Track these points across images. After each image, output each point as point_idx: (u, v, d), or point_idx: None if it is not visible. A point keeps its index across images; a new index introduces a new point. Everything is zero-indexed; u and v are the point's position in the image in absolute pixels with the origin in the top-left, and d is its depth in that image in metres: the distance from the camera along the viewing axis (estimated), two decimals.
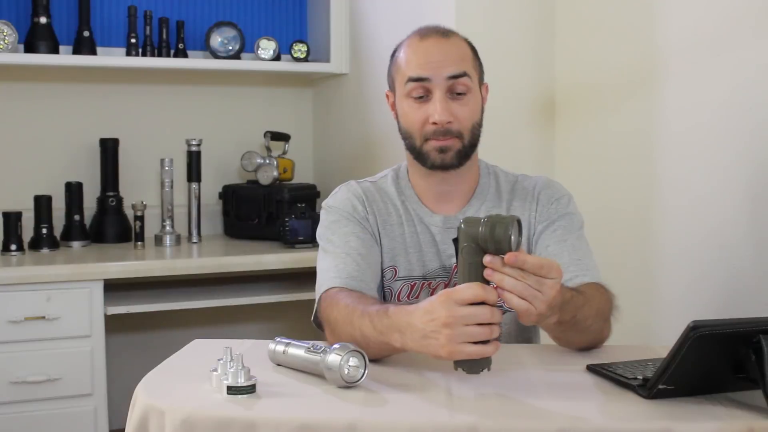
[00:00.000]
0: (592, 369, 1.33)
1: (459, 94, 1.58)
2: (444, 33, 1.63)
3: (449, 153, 1.59)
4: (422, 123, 1.58)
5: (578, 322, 1.40)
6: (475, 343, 1.21)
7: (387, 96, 1.69)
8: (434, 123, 1.56)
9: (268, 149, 3.01)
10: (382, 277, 1.64)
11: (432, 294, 1.59)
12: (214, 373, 1.24)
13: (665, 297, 2.11)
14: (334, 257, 1.58)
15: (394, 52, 1.67)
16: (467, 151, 1.61)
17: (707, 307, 1.97)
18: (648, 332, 2.12)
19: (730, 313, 1.87)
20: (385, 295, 1.65)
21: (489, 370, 1.24)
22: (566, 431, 1.10)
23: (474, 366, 1.24)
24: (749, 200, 1.87)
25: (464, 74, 1.58)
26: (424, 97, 1.58)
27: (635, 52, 2.20)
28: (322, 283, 1.56)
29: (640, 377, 1.24)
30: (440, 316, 1.22)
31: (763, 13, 1.83)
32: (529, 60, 2.47)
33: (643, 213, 2.18)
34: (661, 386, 1.17)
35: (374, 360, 1.35)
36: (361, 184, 1.71)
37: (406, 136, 1.62)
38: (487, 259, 1.24)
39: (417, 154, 1.62)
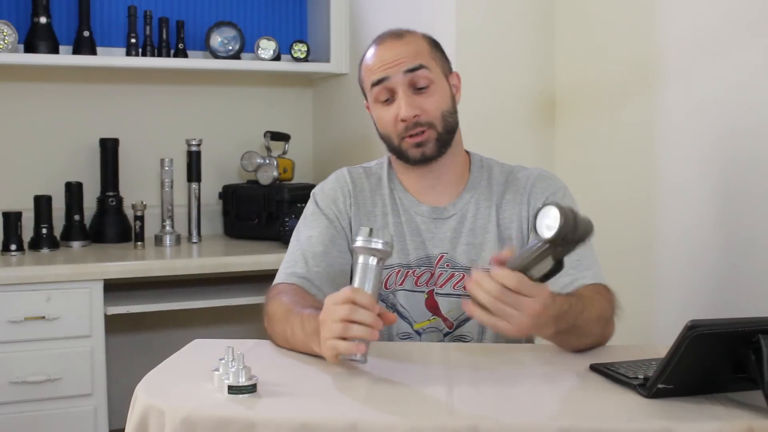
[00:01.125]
0: (595, 368, 1.33)
1: (421, 88, 1.62)
2: (398, 34, 1.67)
3: (427, 145, 1.63)
4: (393, 122, 1.63)
5: (578, 328, 1.40)
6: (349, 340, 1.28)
7: (367, 107, 1.73)
8: (402, 120, 1.61)
9: (268, 149, 3.01)
10: None
11: (417, 282, 1.65)
12: (216, 372, 1.24)
13: (666, 295, 2.11)
14: (293, 252, 1.66)
15: (360, 63, 1.71)
16: (444, 139, 1.64)
17: (708, 306, 1.97)
18: (648, 330, 2.12)
19: (732, 312, 1.87)
20: None
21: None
22: (566, 431, 1.10)
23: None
24: (749, 199, 1.87)
25: (420, 67, 1.62)
26: (390, 99, 1.63)
27: (635, 51, 2.21)
28: (277, 275, 1.65)
29: (641, 376, 1.24)
30: (322, 316, 1.31)
31: (763, 13, 1.83)
32: (529, 60, 2.47)
33: (643, 212, 2.18)
34: (660, 385, 1.17)
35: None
36: (352, 172, 1.74)
37: (385, 139, 1.67)
38: (473, 274, 1.27)
39: (398, 153, 1.66)
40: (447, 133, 1.64)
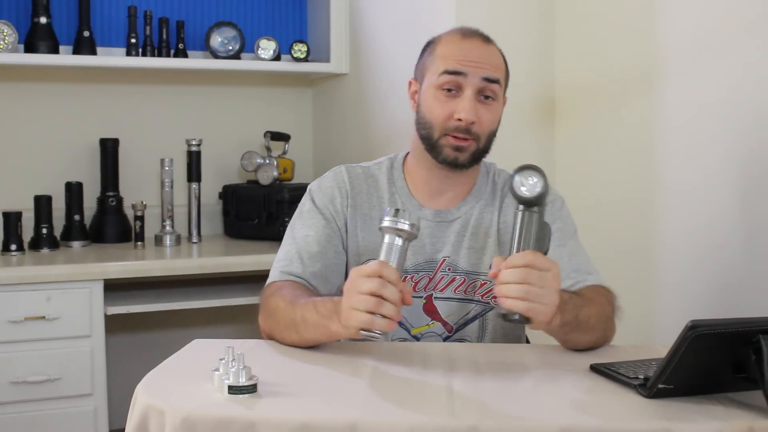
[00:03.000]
0: (596, 369, 1.34)
1: (487, 98, 1.60)
2: (486, 38, 1.65)
3: (464, 153, 1.61)
4: (446, 117, 1.59)
5: (581, 323, 1.41)
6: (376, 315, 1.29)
7: (410, 83, 1.70)
8: (459, 120, 1.58)
9: (268, 149, 3.01)
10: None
11: (414, 287, 1.63)
12: (216, 372, 1.24)
13: (666, 296, 2.11)
14: (288, 251, 1.64)
15: (428, 44, 1.68)
16: (480, 155, 1.63)
17: (708, 306, 1.97)
18: (648, 331, 2.12)
19: (731, 313, 1.87)
20: None
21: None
22: (567, 431, 1.10)
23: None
24: (750, 199, 1.87)
25: (497, 80, 1.61)
26: (454, 91, 1.59)
27: (635, 51, 2.21)
28: (271, 273, 1.63)
29: (641, 377, 1.24)
30: (348, 285, 1.33)
31: (763, 13, 1.83)
32: (529, 60, 2.47)
33: (642, 212, 2.18)
34: (660, 386, 1.18)
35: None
36: (350, 172, 1.71)
37: (425, 126, 1.63)
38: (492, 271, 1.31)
39: (431, 146, 1.62)
40: (484, 151, 1.64)
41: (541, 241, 1.31)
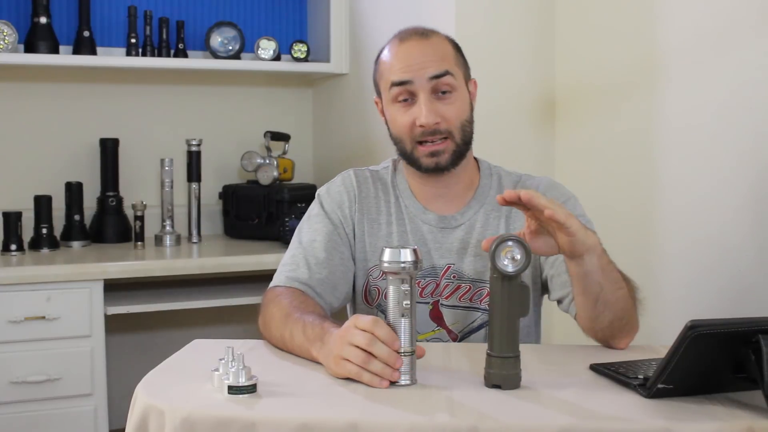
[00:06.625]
0: (595, 368, 1.34)
1: (444, 93, 1.57)
2: (423, 33, 1.61)
3: (443, 155, 1.59)
4: (410, 126, 1.58)
5: (613, 276, 1.41)
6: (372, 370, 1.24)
7: (376, 103, 1.69)
8: (421, 126, 1.56)
9: (268, 149, 3.01)
10: (369, 276, 1.65)
11: (421, 293, 1.62)
12: (216, 372, 1.24)
13: (666, 297, 2.10)
14: (295, 255, 1.62)
15: (377, 57, 1.66)
16: (461, 150, 1.60)
17: (708, 307, 1.97)
18: (648, 332, 2.11)
19: (731, 313, 1.87)
20: (371, 293, 1.65)
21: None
22: (567, 431, 1.10)
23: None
24: (750, 200, 1.87)
25: (446, 73, 1.57)
26: (409, 100, 1.58)
27: (635, 52, 2.21)
28: (276, 275, 1.62)
29: (641, 376, 1.24)
30: (341, 332, 1.28)
31: (764, 13, 1.83)
32: (529, 60, 2.47)
33: (643, 213, 2.18)
34: (660, 385, 1.18)
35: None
36: (358, 175, 1.70)
37: (397, 141, 1.63)
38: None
39: (408, 159, 1.62)
40: (464, 144, 1.60)
41: (523, 305, 1.25)
